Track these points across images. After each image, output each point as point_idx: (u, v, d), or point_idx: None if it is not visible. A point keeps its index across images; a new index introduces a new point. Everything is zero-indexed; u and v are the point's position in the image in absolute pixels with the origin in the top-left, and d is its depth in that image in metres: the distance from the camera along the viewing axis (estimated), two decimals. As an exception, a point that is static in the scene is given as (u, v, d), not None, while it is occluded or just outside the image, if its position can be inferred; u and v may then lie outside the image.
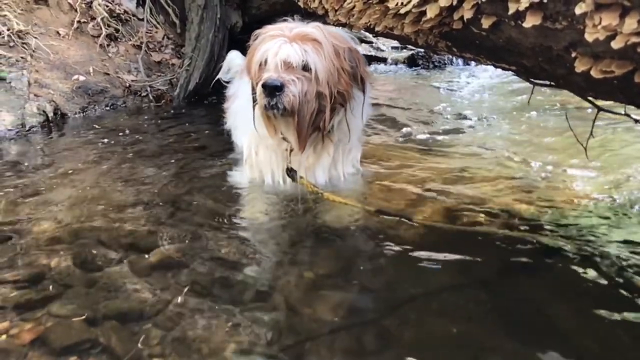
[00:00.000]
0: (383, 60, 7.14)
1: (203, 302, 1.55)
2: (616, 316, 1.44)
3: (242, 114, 2.44)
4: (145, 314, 1.50)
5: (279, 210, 2.21)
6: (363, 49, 7.25)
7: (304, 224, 2.09)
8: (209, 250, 1.86)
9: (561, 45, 1.24)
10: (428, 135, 3.33)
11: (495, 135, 3.31)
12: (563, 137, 2.98)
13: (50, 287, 1.65)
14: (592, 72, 1.14)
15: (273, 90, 1.93)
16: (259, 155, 2.37)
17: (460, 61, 6.39)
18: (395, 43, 7.37)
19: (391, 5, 1.76)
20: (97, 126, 3.94)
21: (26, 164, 3.01)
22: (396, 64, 6.95)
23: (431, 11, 1.58)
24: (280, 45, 1.95)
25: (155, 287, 1.63)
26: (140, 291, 1.61)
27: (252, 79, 2.12)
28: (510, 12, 1.28)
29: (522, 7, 1.23)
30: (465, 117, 3.82)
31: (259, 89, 1.97)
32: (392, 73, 6.56)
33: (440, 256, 1.78)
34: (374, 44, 7.60)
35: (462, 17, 1.50)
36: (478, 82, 5.43)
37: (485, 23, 1.43)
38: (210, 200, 2.32)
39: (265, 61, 1.99)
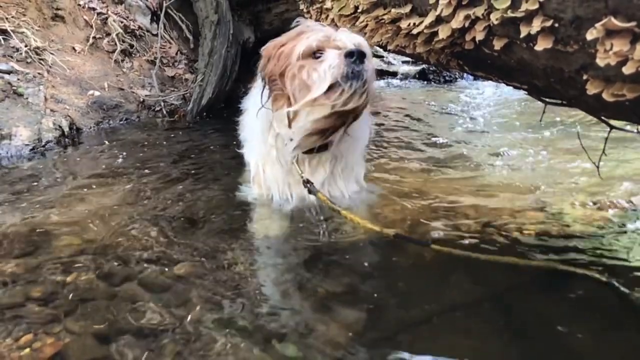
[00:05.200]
0: (393, 74, 7.20)
1: (219, 319, 1.57)
2: (634, 338, 1.42)
3: (251, 129, 2.43)
4: (161, 330, 1.52)
5: (290, 227, 2.22)
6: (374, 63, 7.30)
7: (315, 240, 2.10)
8: (224, 268, 1.88)
9: (573, 67, 1.25)
10: (436, 155, 3.34)
11: (506, 151, 3.31)
12: (578, 155, 2.95)
13: (70, 301, 1.68)
14: (604, 95, 1.15)
15: (360, 56, 1.76)
16: (266, 172, 2.34)
17: (470, 76, 6.43)
18: (406, 57, 7.41)
19: (403, 25, 1.79)
20: (111, 141, 4.00)
21: (43, 179, 3.06)
22: (407, 78, 7.00)
23: (443, 32, 1.60)
24: (340, 31, 1.87)
25: (172, 303, 1.65)
26: (157, 307, 1.63)
27: (281, 67, 1.94)
28: (522, 35, 1.30)
29: (533, 31, 1.25)
30: (477, 138, 3.82)
31: (339, 59, 1.77)
32: (402, 87, 6.59)
33: (454, 274, 1.79)
34: (384, 58, 7.67)
35: (473, 39, 1.52)
36: (488, 96, 5.44)
37: (497, 44, 1.45)
38: (224, 216, 2.34)
39: (323, 47, 1.84)
